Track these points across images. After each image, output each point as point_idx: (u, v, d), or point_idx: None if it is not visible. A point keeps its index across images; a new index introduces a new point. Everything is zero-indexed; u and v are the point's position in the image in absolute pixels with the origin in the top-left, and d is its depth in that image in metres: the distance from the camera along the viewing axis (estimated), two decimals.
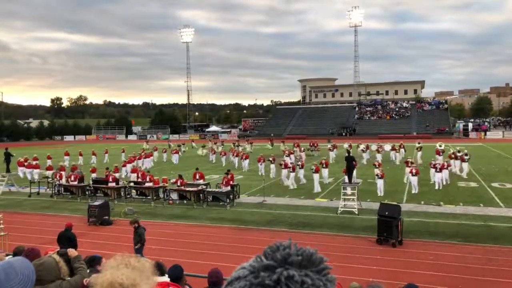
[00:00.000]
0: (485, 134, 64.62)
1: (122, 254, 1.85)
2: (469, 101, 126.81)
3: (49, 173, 26.23)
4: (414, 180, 20.77)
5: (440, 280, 9.96)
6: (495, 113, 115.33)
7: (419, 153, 32.12)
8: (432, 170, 22.78)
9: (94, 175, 24.69)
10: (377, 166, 23.23)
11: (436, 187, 21.60)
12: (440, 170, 22.05)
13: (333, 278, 0.83)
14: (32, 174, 27.28)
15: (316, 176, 22.00)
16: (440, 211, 16.92)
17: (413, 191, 20.63)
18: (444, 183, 22.27)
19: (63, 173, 24.09)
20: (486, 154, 38.38)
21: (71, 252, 4.16)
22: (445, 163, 23.33)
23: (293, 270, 0.80)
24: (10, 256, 4.96)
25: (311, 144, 42.00)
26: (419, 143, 33.62)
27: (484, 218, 15.57)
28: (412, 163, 22.94)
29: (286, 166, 23.89)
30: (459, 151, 28.15)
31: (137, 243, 11.14)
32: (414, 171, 20.78)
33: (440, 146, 28.91)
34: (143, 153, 35.00)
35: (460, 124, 76.42)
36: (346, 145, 38.04)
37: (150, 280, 1.77)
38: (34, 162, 28.98)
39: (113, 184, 20.76)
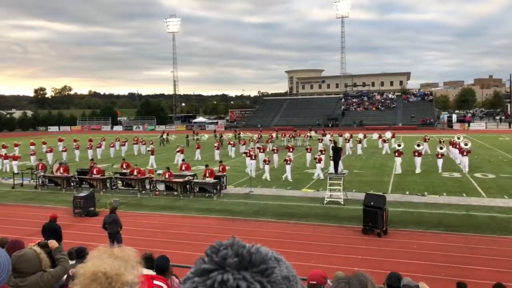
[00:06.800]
0: (469, 126, 65.51)
1: (106, 245, 1.82)
2: (454, 93, 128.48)
3: (33, 158, 25.62)
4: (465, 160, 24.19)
5: (424, 269, 10.16)
6: (479, 105, 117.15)
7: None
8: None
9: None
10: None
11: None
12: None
13: (277, 278, 0.78)
14: (9, 164, 26.67)
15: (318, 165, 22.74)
16: (424, 201, 17.19)
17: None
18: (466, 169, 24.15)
19: (45, 163, 23.68)
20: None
21: (52, 243, 4.10)
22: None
23: (229, 273, 0.76)
24: None
25: (259, 136, 41.02)
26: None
27: (467, 208, 15.88)
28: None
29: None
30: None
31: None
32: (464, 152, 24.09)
33: (459, 138, 29.74)
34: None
35: (444, 116, 77.44)
36: (336, 135, 38.39)
37: (135, 270, 1.75)
38: (15, 150, 28.47)
39: (98, 176, 20.58)
